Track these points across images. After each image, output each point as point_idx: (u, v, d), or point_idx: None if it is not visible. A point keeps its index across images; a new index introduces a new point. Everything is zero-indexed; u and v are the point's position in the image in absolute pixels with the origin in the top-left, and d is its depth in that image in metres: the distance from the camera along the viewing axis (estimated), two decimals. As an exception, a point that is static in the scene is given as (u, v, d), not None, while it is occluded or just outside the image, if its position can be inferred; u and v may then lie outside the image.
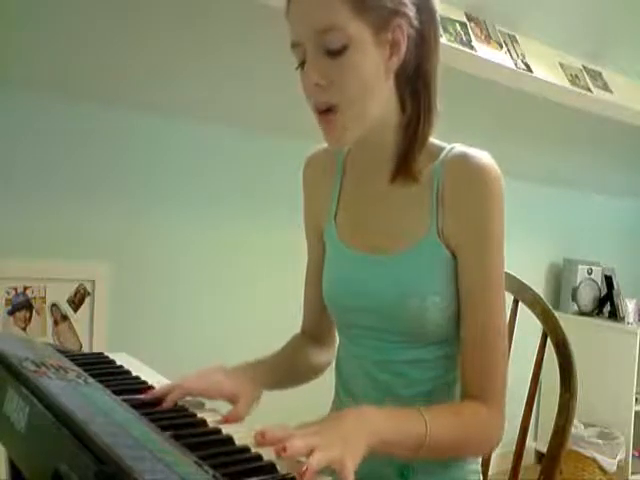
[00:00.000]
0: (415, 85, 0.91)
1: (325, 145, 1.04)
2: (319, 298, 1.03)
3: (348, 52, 0.83)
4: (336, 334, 1.10)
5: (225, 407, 0.85)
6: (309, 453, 0.64)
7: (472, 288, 0.89)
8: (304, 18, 0.85)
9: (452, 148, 0.92)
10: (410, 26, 0.86)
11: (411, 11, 0.86)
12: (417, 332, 0.91)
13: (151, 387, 0.85)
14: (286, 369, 1.03)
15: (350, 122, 0.87)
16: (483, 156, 0.89)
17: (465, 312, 0.90)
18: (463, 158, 0.89)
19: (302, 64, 0.87)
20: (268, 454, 0.65)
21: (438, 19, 0.92)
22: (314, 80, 0.85)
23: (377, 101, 0.88)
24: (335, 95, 0.85)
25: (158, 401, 0.80)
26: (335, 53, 0.83)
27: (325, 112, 0.87)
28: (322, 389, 1.14)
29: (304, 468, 0.62)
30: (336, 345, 1.11)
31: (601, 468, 2.85)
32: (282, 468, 0.63)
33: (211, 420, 0.77)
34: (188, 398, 0.84)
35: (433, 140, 0.95)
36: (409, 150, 0.92)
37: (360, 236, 0.98)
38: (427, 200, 0.91)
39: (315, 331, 1.12)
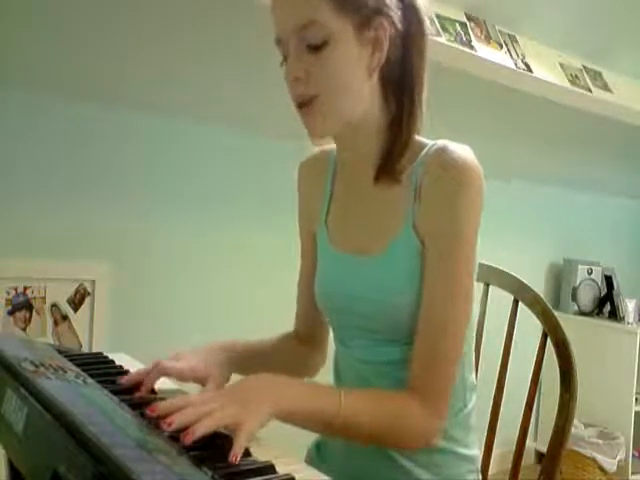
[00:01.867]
0: (400, 84, 0.91)
1: (319, 148, 1.05)
2: (311, 299, 1.04)
3: (329, 47, 0.84)
4: (328, 337, 1.11)
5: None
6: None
7: (432, 282, 0.87)
8: (286, 14, 0.86)
9: (434, 144, 0.91)
10: (393, 26, 0.87)
11: (394, 12, 0.87)
12: (402, 331, 0.90)
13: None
14: (263, 362, 1.02)
15: (328, 112, 0.87)
16: (460, 149, 0.87)
17: (423, 303, 0.87)
18: (440, 151, 0.88)
19: (286, 59, 0.88)
20: (268, 454, 0.65)
21: (423, 16, 0.91)
22: (295, 74, 0.86)
23: (356, 96, 0.88)
24: (313, 87, 0.86)
25: (137, 385, 0.81)
26: (316, 48, 0.84)
27: (305, 104, 0.87)
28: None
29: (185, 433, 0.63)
30: (327, 348, 1.12)
31: (601, 468, 2.85)
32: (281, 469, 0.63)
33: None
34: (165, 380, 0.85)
35: (420, 138, 0.93)
36: (392, 150, 0.92)
37: (348, 238, 0.98)
38: (407, 198, 0.90)
39: (307, 331, 1.12)
